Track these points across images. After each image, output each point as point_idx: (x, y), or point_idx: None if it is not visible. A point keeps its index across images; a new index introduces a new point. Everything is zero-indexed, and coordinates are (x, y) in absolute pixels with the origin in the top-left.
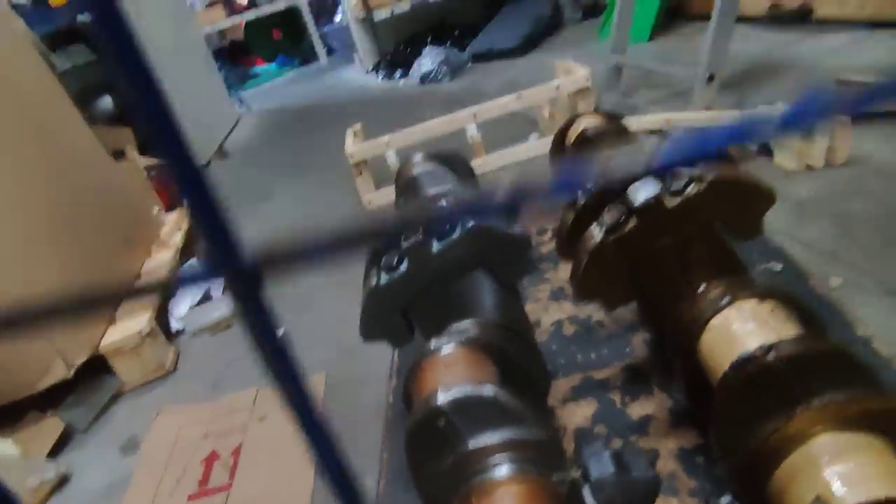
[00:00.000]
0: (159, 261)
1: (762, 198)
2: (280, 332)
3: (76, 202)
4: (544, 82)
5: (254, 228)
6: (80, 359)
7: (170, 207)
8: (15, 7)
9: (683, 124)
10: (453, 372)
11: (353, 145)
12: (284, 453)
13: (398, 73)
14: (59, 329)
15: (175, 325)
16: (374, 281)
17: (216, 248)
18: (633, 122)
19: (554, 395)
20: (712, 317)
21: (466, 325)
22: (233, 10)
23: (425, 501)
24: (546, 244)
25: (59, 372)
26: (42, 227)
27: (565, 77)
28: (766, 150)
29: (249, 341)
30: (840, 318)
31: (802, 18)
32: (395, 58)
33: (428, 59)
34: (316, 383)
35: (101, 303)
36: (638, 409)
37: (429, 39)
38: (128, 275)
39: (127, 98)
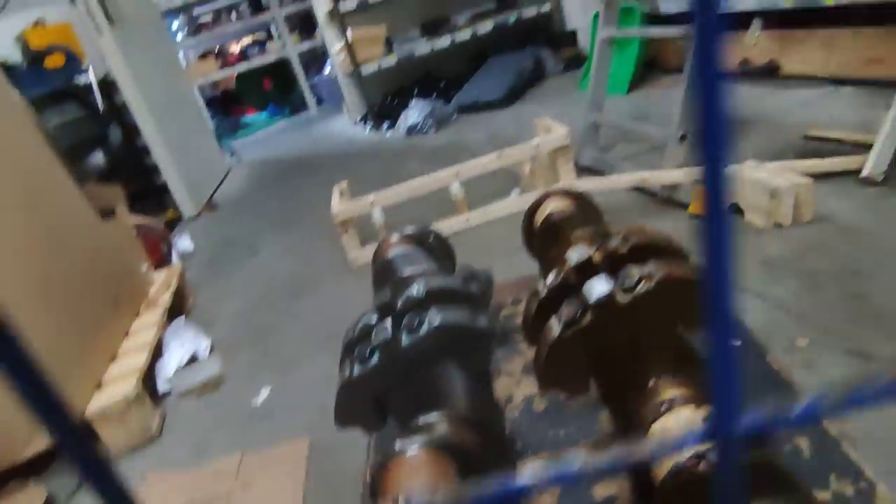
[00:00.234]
0: (147, 321)
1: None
2: (265, 393)
3: (65, 265)
4: (527, 134)
5: (240, 284)
6: None
7: (158, 265)
8: (10, 69)
9: (659, 182)
10: (415, 478)
11: (340, 204)
12: None
13: (385, 125)
14: None
15: (162, 386)
16: (347, 372)
17: None
18: (611, 182)
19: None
20: (653, 422)
21: (434, 420)
22: (225, 62)
23: None
24: (520, 315)
25: (43, 440)
26: (30, 289)
27: (545, 135)
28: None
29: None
30: (793, 396)
31: (771, 74)
32: (383, 110)
33: (414, 112)
34: (299, 448)
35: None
36: (602, 491)
37: (415, 92)
38: (116, 335)
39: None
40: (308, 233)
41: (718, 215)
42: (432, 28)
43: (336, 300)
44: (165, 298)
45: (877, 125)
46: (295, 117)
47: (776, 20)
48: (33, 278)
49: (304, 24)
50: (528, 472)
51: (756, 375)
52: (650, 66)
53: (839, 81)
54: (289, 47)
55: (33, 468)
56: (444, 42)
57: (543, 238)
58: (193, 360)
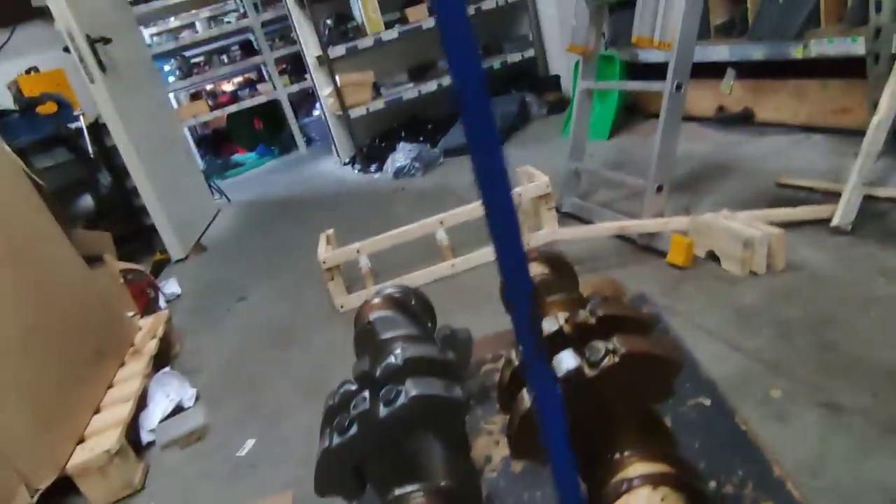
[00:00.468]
0: (132, 370)
1: (670, 367)
2: (250, 444)
3: (51, 318)
4: (511, 179)
5: (227, 330)
6: (45, 482)
7: (144, 311)
8: (3, 115)
9: (637, 231)
10: None
11: (326, 252)
12: None
13: (373, 167)
14: (23, 453)
15: (146, 437)
16: (327, 441)
17: None
18: (592, 230)
19: None
20: (614, 501)
21: (411, 493)
22: (216, 103)
23: None
24: (499, 371)
25: (23, 499)
26: (14, 342)
27: (528, 182)
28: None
29: None
30: (760, 456)
31: (745, 121)
32: (371, 152)
33: (401, 155)
34: (283, 503)
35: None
36: None
37: (402, 134)
38: (99, 386)
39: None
40: (297, 277)
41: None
42: (419, 73)
43: (323, 349)
44: (151, 346)
45: (845, 173)
46: (284, 157)
47: (749, 70)
48: (18, 331)
49: (295, 65)
50: None
51: (724, 437)
52: (631, 112)
53: (810, 129)
54: (279, 89)
55: None
56: (430, 86)
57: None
58: (178, 409)
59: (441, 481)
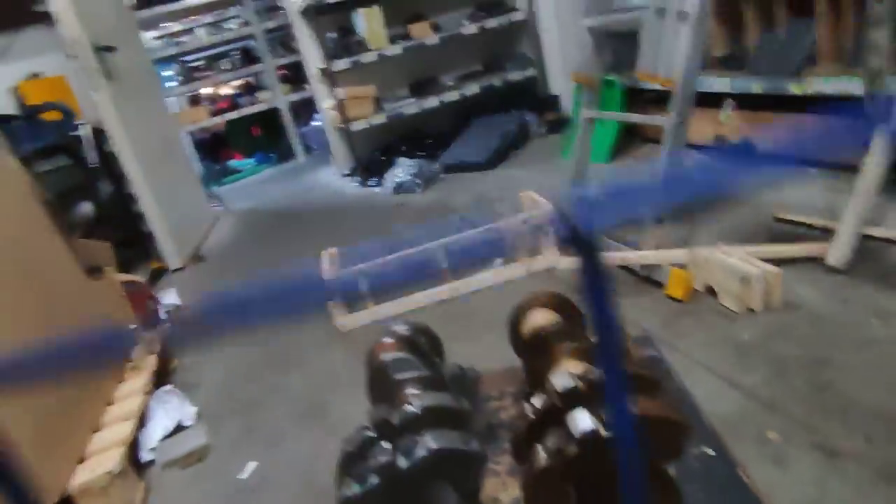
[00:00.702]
0: (132, 387)
1: (682, 430)
2: (251, 467)
3: (54, 334)
4: (511, 198)
5: (226, 345)
6: None
7: (144, 323)
8: (6, 121)
9: (638, 263)
10: None
11: (328, 272)
12: None
13: (373, 180)
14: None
15: (145, 455)
16: (347, 490)
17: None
18: None
19: None
20: None
21: None
22: (216, 110)
23: None
24: (507, 409)
25: None
26: None
27: (531, 206)
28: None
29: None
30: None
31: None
32: (371, 165)
33: (401, 170)
34: None
35: None
36: None
37: (402, 149)
38: (99, 404)
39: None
40: None
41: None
42: (421, 88)
43: (322, 369)
44: (150, 363)
45: (840, 209)
46: (283, 165)
47: (748, 102)
48: (15, 337)
49: (295, 73)
50: None
51: (728, 491)
52: (630, 135)
53: (808, 162)
54: (279, 97)
55: None
56: (432, 102)
57: (530, 348)
58: (179, 428)
59: None
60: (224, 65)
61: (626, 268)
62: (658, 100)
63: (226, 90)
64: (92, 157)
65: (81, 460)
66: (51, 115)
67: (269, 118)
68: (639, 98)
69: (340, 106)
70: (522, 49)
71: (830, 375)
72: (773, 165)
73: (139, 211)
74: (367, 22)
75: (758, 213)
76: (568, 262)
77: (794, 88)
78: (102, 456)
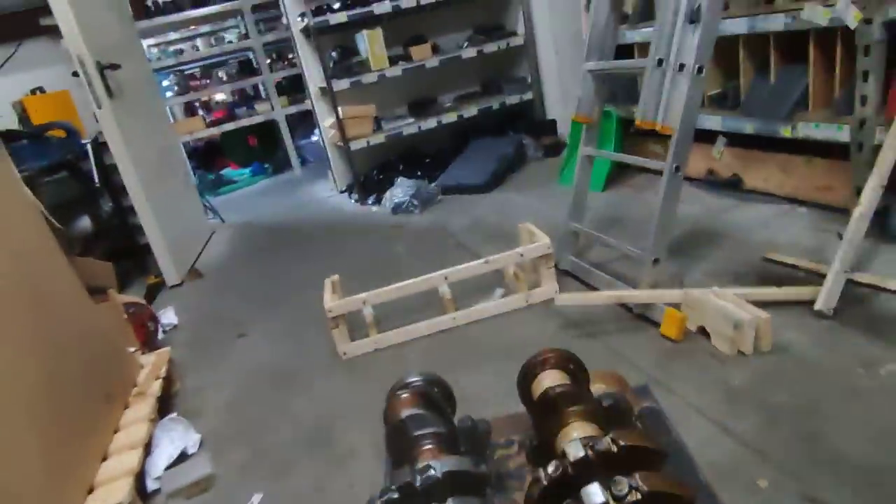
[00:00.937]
0: (137, 413)
1: (686, 502)
2: (257, 499)
3: (63, 362)
4: (508, 223)
5: (227, 369)
6: None
7: (144, 343)
8: (11, 136)
9: (633, 301)
10: None
11: (332, 301)
12: None
13: (371, 199)
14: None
15: (151, 484)
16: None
17: None
18: (590, 298)
19: None
20: None
21: None
22: (212, 120)
23: None
24: (514, 458)
25: None
26: (28, 388)
27: (529, 240)
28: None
29: None
30: None
31: (734, 186)
32: (368, 183)
33: (400, 191)
34: None
35: None
36: None
37: (400, 167)
38: (107, 432)
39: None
40: (297, 315)
41: None
42: (420, 107)
43: (326, 398)
44: (155, 388)
45: (828, 252)
46: (278, 177)
47: (739, 139)
48: (32, 377)
49: (293, 85)
50: None
51: None
52: (626, 164)
53: (795, 201)
54: (277, 110)
55: None
56: (430, 123)
57: (539, 406)
58: (183, 456)
59: None
60: (222, 76)
61: (622, 304)
62: (653, 133)
63: (221, 96)
64: (95, 175)
65: (91, 490)
66: (56, 135)
67: (266, 128)
68: (635, 129)
69: (340, 125)
70: (520, 73)
71: (818, 425)
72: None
73: (135, 223)
74: (369, 44)
75: (748, 252)
76: (568, 301)
77: (785, 132)
78: (112, 486)
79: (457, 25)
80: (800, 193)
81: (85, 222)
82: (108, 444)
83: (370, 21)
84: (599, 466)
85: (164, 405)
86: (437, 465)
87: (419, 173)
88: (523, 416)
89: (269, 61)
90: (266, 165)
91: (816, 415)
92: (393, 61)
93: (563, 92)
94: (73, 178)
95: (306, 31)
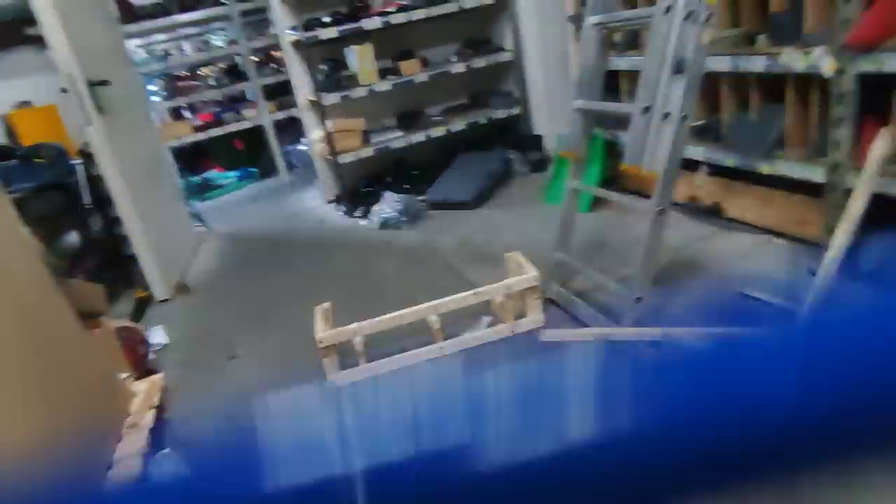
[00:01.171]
0: (131, 447)
1: None
2: None
3: (64, 407)
4: (495, 242)
5: (218, 396)
6: None
7: (135, 366)
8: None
9: (616, 338)
10: None
11: (324, 331)
12: None
13: (359, 212)
14: None
15: None
16: None
17: None
18: (575, 334)
19: None
20: None
21: None
22: (198, 124)
23: None
24: None
25: None
26: (23, 435)
27: (517, 270)
28: None
29: None
30: None
31: (715, 214)
32: (356, 195)
33: (388, 205)
34: None
35: None
36: None
37: (388, 180)
38: (101, 468)
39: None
40: (286, 335)
41: None
42: (408, 119)
43: None
44: (148, 419)
45: (802, 288)
46: (265, 182)
47: (721, 169)
48: (35, 424)
49: (281, 89)
50: None
51: None
52: (610, 184)
53: (773, 233)
54: (264, 115)
55: None
56: (418, 137)
57: None
58: None
59: None
60: (209, 80)
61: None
62: None
63: (210, 95)
64: (85, 195)
65: None
66: (45, 156)
67: (253, 131)
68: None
69: (329, 138)
70: (508, 86)
71: None
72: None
73: (122, 233)
74: (359, 59)
75: (725, 286)
76: (555, 336)
77: (763, 168)
78: None
79: (446, 38)
80: (777, 225)
81: (73, 238)
82: (101, 484)
83: (360, 35)
84: None
85: (157, 434)
86: None
87: (407, 186)
88: None
89: (256, 60)
90: (252, 169)
91: None
92: (382, 75)
93: (550, 108)
94: (62, 198)
95: (296, 44)
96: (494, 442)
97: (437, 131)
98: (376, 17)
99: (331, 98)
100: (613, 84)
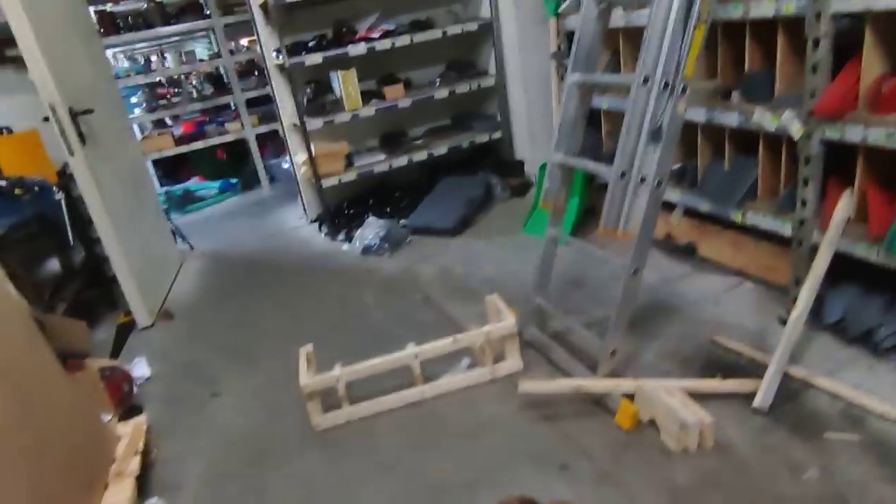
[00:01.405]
0: (117, 497)
1: None
2: None
3: (47, 458)
4: (475, 273)
5: (202, 435)
6: None
7: (119, 404)
8: None
9: (591, 391)
10: None
11: (307, 377)
12: None
13: (341, 235)
14: None
15: None
16: None
17: None
18: (550, 386)
19: None
20: None
21: None
22: (181, 136)
23: None
24: None
25: None
26: (14, 491)
27: (495, 314)
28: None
29: None
30: None
31: (690, 253)
32: (338, 218)
33: (370, 231)
34: None
35: None
36: None
37: (370, 203)
38: None
39: None
40: (269, 371)
41: None
42: (391, 140)
43: (301, 476)
44: (134, 466)
45: (769, 337)
46: (247, 194)
47: (696, 210)
48: (18, 476)
49: (265, 101)
50: None
51: None
52: (592, 213)
53: (744, 275)
54: (247, 129)
55: None
56: (401, 161)
57: None
58: None
59: None
60: (192, 93)
61: None
62: None
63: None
64: (68, 231)
65: None
66: (27, 191)
67: (236, 142)
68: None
69: (312, 162)
70: (490, 108)
71: None
72: None
73: (103, 255)
74: (343, 85)
75: (698, 331)
76: (531, 388)
77: (736, 217)
78: None
79: (430, 60)
80: (748, 269)
81: (54, 265)
82: None
83: (345, 60)
84: None
85: (142, 478)
86: None
87: (389, 209)
88: None
89: (239, 70)
90: (235, 181)
91: None
92: (366, 98)
93: (531, 134)
94: (44, 232)
95: (281, 67)
96: None
97: (420, 155)
98: (361, 44)
99: (315, 123)
100: (595, 120)
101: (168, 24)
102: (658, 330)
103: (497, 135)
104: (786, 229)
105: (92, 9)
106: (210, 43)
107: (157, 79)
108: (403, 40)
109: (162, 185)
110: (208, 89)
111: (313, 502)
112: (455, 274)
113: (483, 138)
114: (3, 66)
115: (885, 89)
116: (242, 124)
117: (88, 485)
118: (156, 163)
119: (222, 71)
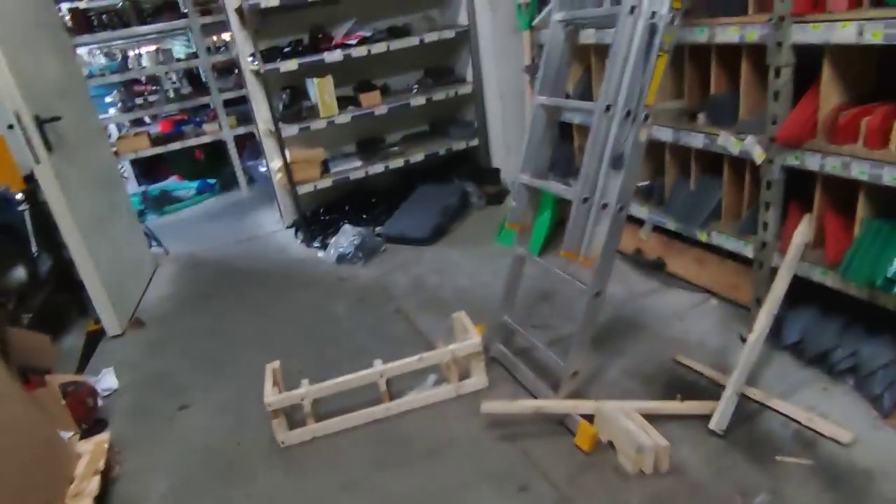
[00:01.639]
0: None
1: None
2: None
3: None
4: (448, 283)
5: (168, 449)
6: None
7: (82, 420)
8: None
9: (552, 412)
10: None
11: (272, 394)
12: None
13: (317, 242)
14: None
15: None
16: None
17: None
18: (512, 406)
19: None
20: None
21: None
22: (157, 135)
23: None
24: None
25: None
26: None
27: (462, 333)
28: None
29: None
30: None
31: (658, 268)
32: (314, 224)
33: (345, 240)
34: None
35: None
36: None
37: (346, 209)
38: None
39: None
40: (238, 383)
41: None
42: (367, 146)
43: (265, 495)
44: (93, 486)
45: (730, 355)
46: (225, 195)
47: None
48: None
49: (243, 101)
50: None
51: None
52: (563, 224)
53: (709, 292)
54: (225, 130)
55: None
56: (377, 168)
57: None
58: None
59: None
60: (169, 92)
61: None
62: None
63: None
64: (32, 241)
65: None
66: None
67: (214, 143)
68: None
69: (287, 168)
70: (467, 115)
71: None
72: None
73: (71, 259)
74: (319, 92)
75: (661, 349)
76: (493, 409)
77: (701, 236)
78: None
79: (407, 66)
80: (713, 286)
81: (19, 273)
82: None
83: (321, 67)
84: None
85: (104, 495)
86: None
87: (365, 216)
88: None
89: (217, 70)
90: (212, 181)
91: None
92: (342, 104)
93: (507, 141)
94: (7, 241)
95: (256, 72)
96: None
97: (396, 162)
98: (337, 51)
99: (290, 130)
100: (567, 132)
101: (144, 22)
102: (623, 347)
103: (474, 142)
104: (748, 251)
105: (65, 6)
106: (188, 40)
107: (135, 77)
108: (380, 48)
109: (140, 183)
110: (186, 87)
111: None
112: (428, 284)
113: (460, 145)
114: None
115: (841, 120)
116: (220, 125)
117: None
118: (133, 161)
119: (200, 70)
